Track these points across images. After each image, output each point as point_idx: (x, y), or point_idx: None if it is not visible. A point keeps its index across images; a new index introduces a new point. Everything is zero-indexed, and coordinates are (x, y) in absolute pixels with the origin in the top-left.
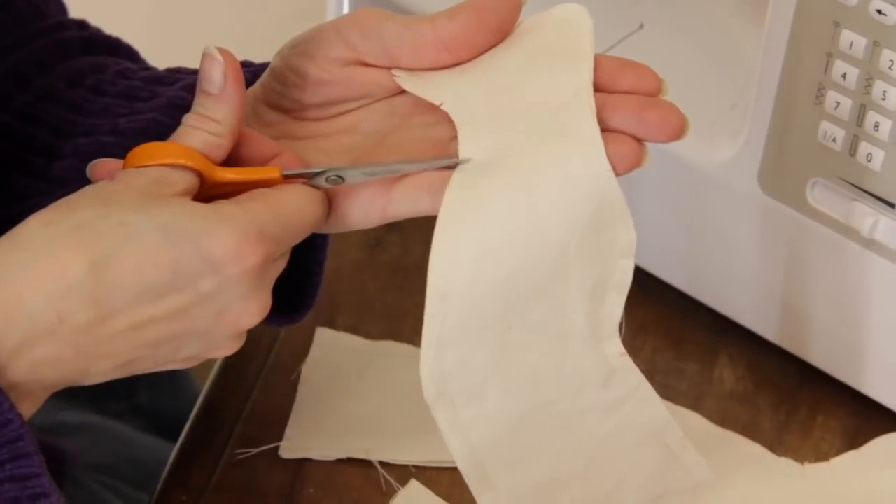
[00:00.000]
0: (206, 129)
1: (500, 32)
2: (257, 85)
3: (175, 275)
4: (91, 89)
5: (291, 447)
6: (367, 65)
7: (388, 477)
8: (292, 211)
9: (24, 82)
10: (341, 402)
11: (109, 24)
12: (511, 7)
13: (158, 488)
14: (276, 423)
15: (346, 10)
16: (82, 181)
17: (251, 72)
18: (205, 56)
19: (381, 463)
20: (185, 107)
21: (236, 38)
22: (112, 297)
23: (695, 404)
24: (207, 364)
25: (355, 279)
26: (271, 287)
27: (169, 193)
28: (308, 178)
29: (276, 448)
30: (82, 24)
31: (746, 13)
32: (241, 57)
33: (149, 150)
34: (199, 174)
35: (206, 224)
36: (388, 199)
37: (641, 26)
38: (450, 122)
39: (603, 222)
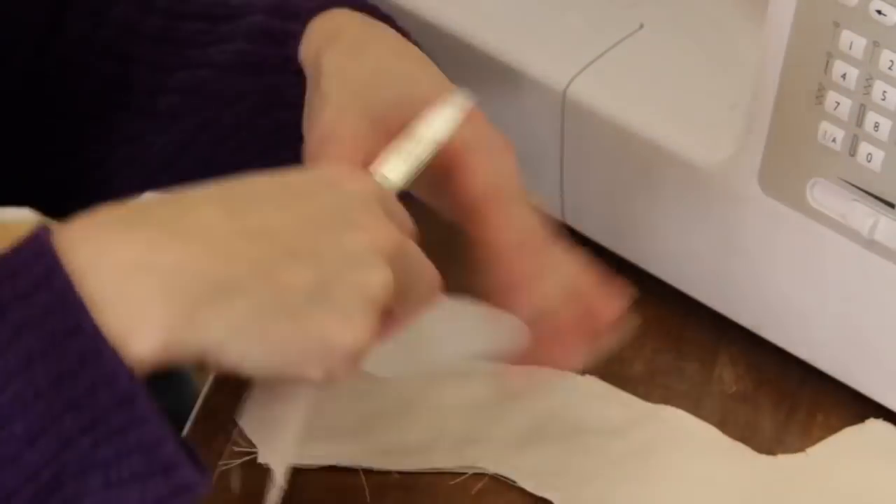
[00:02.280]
0: None
1: None
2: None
3: (294, 187)
4: (167, 14)
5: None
6: None
7: (367, 484)
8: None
9: (99, 13)
10: (321, 408)
11: None
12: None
13: None
14: None
15: None
16: (189, 116)
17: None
18: None
19: (364, 470)
20: (266, 31)
21: None
22: (238, 199)
23: (695, 404)
24: None
25: None
26: (398, 241)
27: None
28: None
29: None
30: None
31: (746, 13)
32: None
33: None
34: None
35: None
36: None
37: (641, 26)
38: None
39: None
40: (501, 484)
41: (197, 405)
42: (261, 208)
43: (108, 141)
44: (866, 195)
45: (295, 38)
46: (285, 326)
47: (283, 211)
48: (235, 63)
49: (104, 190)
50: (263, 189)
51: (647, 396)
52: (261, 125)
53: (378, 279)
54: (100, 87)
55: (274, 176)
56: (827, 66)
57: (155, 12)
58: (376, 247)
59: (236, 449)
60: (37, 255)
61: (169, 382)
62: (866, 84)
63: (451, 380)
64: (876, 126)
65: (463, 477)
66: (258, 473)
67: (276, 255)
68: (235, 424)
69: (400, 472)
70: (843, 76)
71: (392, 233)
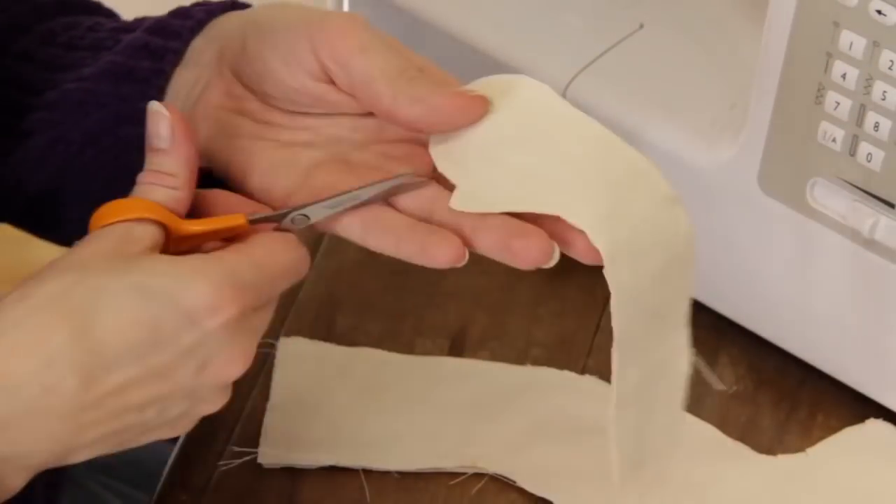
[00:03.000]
0: (161, 183)
1: (451, 128)
2: (225, 45)
3: (155, 332)
4: (63, 46)
5: (269, 454)
6: (337, 87)
7: (368, 484)
8: (264, 257)
9: (2, 48)
10: (320, 408)
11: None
12: (467, 119)
13: (158, 488)
14: None
15: (346, 10)
16: (48, 130)
17: (205, 9)
18: (150, 113)
19: (364, 470)
20: (143, 46)
21: None
22: (94, 361)
23: (695, 404)
24: None
25: (355, 279)
26: (256, 337)
27: (137, 251)
28: (276, 220)
29: None
30: None
31: (746, 13)
32: None
33: (112, 208)
34: (165, 228)
35: (180, 278)
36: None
37: (641, 26)
38: (410, 160)
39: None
40: (501, 484)
41: None
42: (116, 368)
43: None
44: (866, 195)
45: (175, 53)
46: (122, 447)
47: (138, 365)
48: (103, 72)
49: None
50: (123, 342)
51: None
52: (105, 144)
53: (213, 408)
54: None
55: (139, 311)
56: (827, 66)
57: (54, 45)
58: (222, 382)
59: (236, 449)
60: None
61: None
62: (866, 84)
63: (451, 380)
64: (876, 126)
65: (463, 477)
66: (258, 473)
67: (125, 415)
68: (236, 424)
69: (400, 472)
70: (843, 76)
71: (243, 359)
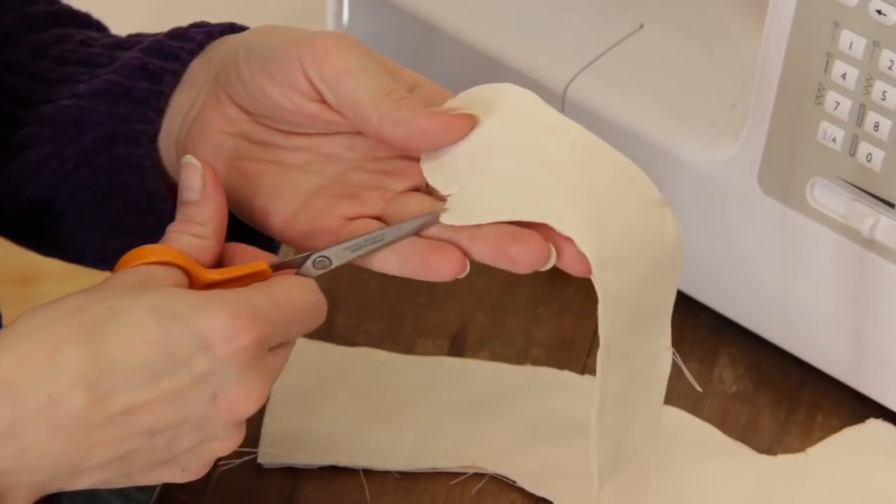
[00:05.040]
0: (189, 231)
1: (436, 147)
2: (220, 69)
3: (167, 354)
4: (54, 59)
5: (269, 454)
6: (329, 105)
7: (368, 484)
8: (282, 296)
9: None
10: (320, 408)
11: (109, 23)
12: (450, 139)
13: (158, 488)
14: None
15: (346, 10)
16: (42, 145)
17: (205, 32)
18: (184, 165)
19: (364, 470)
20: (141, 67)
21: None
22: (105, 377)
23: (695, 404)
24: None
25: (355, 279)
26: (271, 378)
27: (158, 286)
28: (296, 266)
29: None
30: None
31: (746, 13)
32: None
33: (137, 253)
34: (187, 273)
35: (197, 304)
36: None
37: (641, 26)
38: (404, 174)
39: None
40: (501, 484)
41: None
42: (127, 387)
43: None
44: (866, 195)
45: (173, 76)
46: (131, 480)
47: (149, 387)
48: (99, 91)
49: None
50: (136, 361)
51: None
52: (99, 163)
53: (226, 448)
54: None
55: (154, 331)
56: (827, 66)
57: (45, 57)
58: (234, 418)
59: (236, 448)
60: None
61: None
62: (866, 84)
63: (451, 380)
64: (876, 126)
65: (463, 477)
66: (258, 473)
67: (134, 439)
68: None
69: (400, 472)
70: (843, 76)
71: (256, 395)
